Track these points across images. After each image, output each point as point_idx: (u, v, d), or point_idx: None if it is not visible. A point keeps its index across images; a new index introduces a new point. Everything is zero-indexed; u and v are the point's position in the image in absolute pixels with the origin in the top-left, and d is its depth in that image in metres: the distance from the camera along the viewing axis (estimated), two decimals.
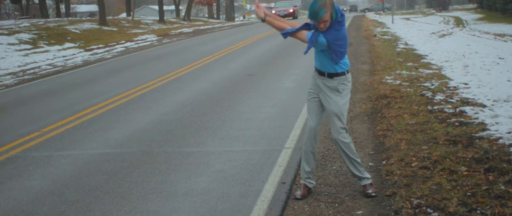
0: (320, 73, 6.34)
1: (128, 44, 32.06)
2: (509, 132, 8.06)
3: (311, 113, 6.48)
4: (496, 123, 8.66)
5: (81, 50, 29.57)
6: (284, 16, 52.83)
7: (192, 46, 27.67)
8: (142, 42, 33.18)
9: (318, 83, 6.36)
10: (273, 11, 44.76)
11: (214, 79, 15.33)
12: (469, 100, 10.46)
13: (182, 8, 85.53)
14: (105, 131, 9.98)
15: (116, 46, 30.51)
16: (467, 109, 9.67)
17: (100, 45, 31.63)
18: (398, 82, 12.90)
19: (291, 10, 59.78)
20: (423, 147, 7.58)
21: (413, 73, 14.13)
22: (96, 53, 27.20)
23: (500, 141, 7.69)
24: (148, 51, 26.83)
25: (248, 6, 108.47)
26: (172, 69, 17.88)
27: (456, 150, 7.33)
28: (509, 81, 12.68)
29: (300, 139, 8.63)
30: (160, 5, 57.53)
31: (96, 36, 37.12)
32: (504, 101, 10.24)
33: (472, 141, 7.72)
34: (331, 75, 6.26)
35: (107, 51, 28.19)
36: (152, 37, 36.89)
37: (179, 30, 44.00)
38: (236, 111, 11.02)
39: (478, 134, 8.05)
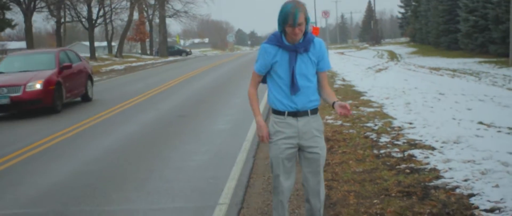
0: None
1: None
2: (465, 180, 7.31)
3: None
4: (450, 168, 7.93)
5: None
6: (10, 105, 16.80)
7: (122, 85, 26.62)
8: None
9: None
10: None
11: (143, 121, 14.30)
12: (417, 141, 9.77)
13: (115, 44, 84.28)
14: (15, 186, 8.72)
15: None
16: (416, 152, 8.95)
17: None
18: (339, 122, 12.17)
19: (42, 86, 17.08)
20: (375, 201, 6.72)
21: (354, 112, 13.44)
22: None
23: (458, 190, 6.92)
24: None
25: (182, 42, 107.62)
26: (98, 110, 16.75)
27: (412, 204, 6.51)
28: (454, 119, 12.14)
29: (236, 192, 7.70)
30: (91, 41, 56.34)
31: None
32: (454, 142, 9.57)
33: (427, 192, 6.93)
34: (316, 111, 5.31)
35: None
36: None
37: (110, 67, 42.90)
38: (165, 159, 9.98)
39: (432, 183, 7.28)
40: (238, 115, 14.36)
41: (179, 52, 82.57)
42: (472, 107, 14.33)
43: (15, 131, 14.14)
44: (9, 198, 8.14)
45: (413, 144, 9.60)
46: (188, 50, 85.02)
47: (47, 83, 17.09)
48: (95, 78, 32.26)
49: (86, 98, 20.27)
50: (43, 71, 17.82)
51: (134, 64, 48.41)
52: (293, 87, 5.10)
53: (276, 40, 5.08)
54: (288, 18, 4.91)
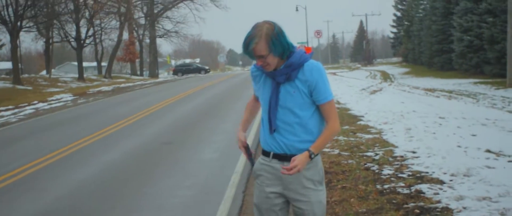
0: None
1: (40, 105, 29.75)
2: None
3: None
4: (464, 208, 7.00)
5: None
6: None
7: (108, 107, 25.57)
8: (55, 103, 30.92)
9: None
10: None
11: (124, 149, 13.25)
12: (423, 174, 8.84)
13: (105, 64, 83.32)
14: None
15: (27, 108, 28.22)
16: (423, 187, 8.02)
17: (10, 107, 29.26)
18: (336, 151, 11.21)
19: None
20: None
21: (352, 139, 12.50)
22: (2, 116, 24.80)
23: None
24: (59, 113, 24.56)
25: (173, 62, 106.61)
26: (78, 136, 15.67)
27: None
28: (459, 147, 11.22)
29: None
30: (79, 62, 55.29)
31: (8, 95, 34.66)
32: (464, 175, 8.65)
33: None
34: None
35: (14, 113, 25.80)
36: (67, 97, 34.66)
37: (98, 89, 41.89)
38: (145, 195, 8.93)
39: None
40: (226, 142, 13.39)
41: (198, 70, 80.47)
42: (476, 133, 13.44)
43: None
44: None
45: (420, 177, 8.67)
46: (206, 68, 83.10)
47: None
48: (80, 100, 31.35)
49: None
50: None
51: (122, 85, 47.37)
52: (269, 123, 4.07)
53: None
54: (243, 48, 3.92)
